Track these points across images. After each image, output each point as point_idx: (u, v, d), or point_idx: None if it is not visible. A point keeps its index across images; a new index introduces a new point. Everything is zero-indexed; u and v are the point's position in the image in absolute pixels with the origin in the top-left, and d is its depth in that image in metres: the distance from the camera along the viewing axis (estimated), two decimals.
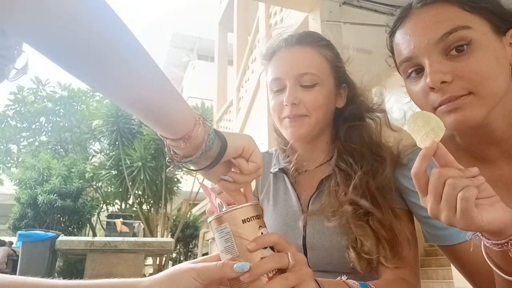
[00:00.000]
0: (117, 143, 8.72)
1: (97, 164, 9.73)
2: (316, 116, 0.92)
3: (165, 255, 8.32)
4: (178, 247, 9.62)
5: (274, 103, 0.96)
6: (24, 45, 0.55)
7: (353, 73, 1.01)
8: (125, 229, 5.57)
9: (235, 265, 0.52)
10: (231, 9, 8.14)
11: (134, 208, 9.10)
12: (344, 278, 0.75)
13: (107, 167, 8.84)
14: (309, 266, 0.58)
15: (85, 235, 9.30)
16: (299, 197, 0.97)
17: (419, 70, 0.73)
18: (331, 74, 0.96)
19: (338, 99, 0.99)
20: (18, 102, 12.04)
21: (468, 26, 0.68)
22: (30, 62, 0.58)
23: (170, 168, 0.63)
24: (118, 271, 3.88)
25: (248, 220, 0.56)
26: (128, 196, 9.17)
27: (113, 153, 8.99)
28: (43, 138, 12.61)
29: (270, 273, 0.53)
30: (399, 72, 0.80)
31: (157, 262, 8.37)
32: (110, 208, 10.33)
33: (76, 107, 12.41)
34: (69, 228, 8.03)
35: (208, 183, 0.69)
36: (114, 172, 8.84)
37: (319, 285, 0.64)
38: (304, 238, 0.91)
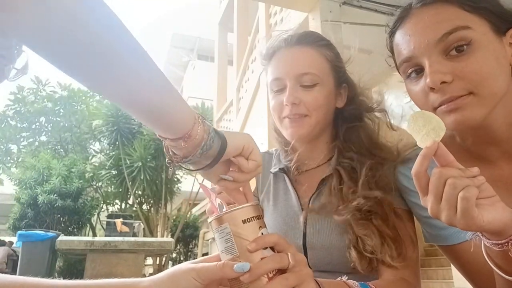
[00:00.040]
0: (117, 143, 8.71)
1: (97, 164, 9.72)
2: (316, 116, 0.92)
3: (165, 255, 8.31)
4: (178, 247, 9.62)
5: (274, 103, 0.96)
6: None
7: (353, 73, 1.01)
8: (125, 229, 5.57)
9: (235, 266, 0.52)
10: (231, 9, 8.14)
11: (134, 208, 9.09)
12: (344, 278, 0.75)
13: (107, 167, 8.84)
14: (309, 266, 0.58)
15: (85, 235, 9.30)
16: (299, 197, 0.97)
17: (419, 70, 0.73)
18: (331, 74, 0.96)
19: (338, 99, 0.99)
20: (18, 102, 12.04)
21: (468, 26, 0.68)
22: (30, 62, 0.58)
23: (170, 168, 0.63)
24: (118, 271, 3.88)
25: (248, 220, 0.56)
26: (128, 196, 9.17)
27: (113, 153, 8.98)
28: (43, 138, 12.61)
29: (270, 273, 0.53)
30: (399, 72, 0.80)
31: (157, 262, 8.36)
32: (110, 208, 10.32)
33: (76, 107, 12.41)
34: (69, 228, 8.04)
35: (208, 184, 0.69)
36: (114, 172, 8.83)
37: (319, 286, 0.64)
38: (304, 238, 0.91)
